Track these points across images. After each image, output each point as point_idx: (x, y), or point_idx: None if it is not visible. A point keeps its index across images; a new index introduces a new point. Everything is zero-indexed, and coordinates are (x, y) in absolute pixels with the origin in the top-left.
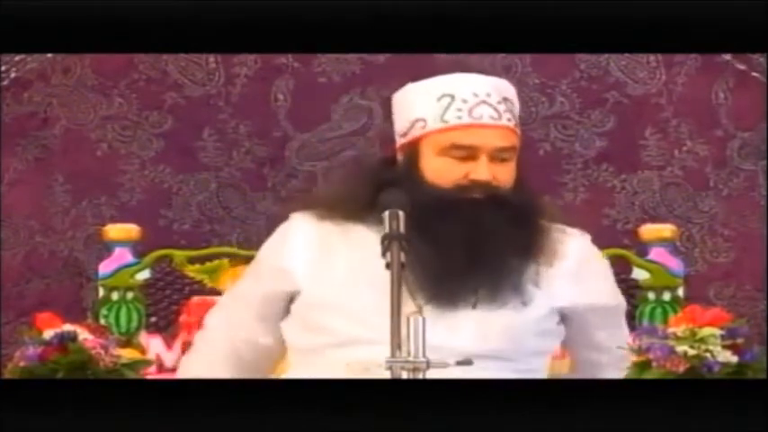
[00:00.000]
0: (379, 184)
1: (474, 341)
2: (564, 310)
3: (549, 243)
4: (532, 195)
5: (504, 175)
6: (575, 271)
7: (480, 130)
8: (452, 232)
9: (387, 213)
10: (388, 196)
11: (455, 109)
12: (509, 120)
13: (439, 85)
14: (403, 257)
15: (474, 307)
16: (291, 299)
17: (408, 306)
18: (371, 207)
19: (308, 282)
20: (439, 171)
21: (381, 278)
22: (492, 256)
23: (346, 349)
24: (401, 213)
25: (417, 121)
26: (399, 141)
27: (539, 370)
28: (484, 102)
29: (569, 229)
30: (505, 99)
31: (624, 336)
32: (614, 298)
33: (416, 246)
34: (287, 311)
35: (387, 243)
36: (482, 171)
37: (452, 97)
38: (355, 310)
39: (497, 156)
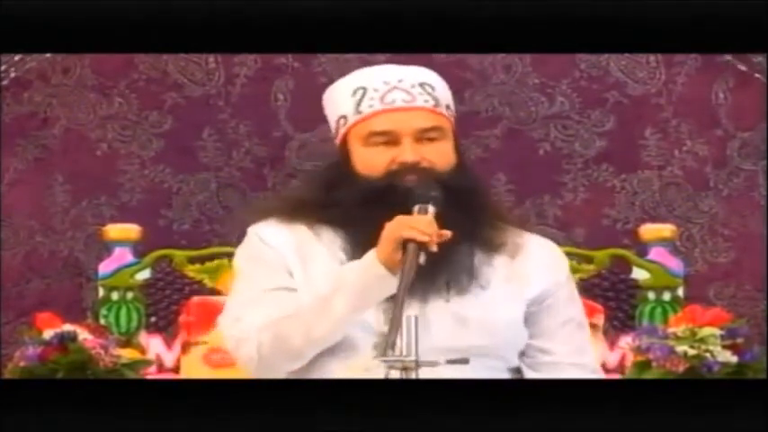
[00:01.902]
0: (325, 186)
1: (452, 337)
2: (530, 301)
3: (501, 233)
4: (475, 181)
5: (434, 155)
6: (540, 264)
7: (394, 113)
8: (387, 219)
9: (416, 208)
10: (418, 190)
11: (368, 99)
12: (426, 101)
13: (352, 80)
14: (422, 258)
15: (447, 301)
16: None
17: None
18: (327, 208)
19: (300, 282)
20: (367, 161)
21: None
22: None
23: (341, 350)
24: (431, 208)
25: (340, 119)
26: (336, 143)
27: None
28: (395, 88)
29: (529, 234)
30: (422, 84)
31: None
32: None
33: (360, 241)
34: None
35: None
36: (407, 152)
37: (365, 89)
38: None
39: (422, 136)
